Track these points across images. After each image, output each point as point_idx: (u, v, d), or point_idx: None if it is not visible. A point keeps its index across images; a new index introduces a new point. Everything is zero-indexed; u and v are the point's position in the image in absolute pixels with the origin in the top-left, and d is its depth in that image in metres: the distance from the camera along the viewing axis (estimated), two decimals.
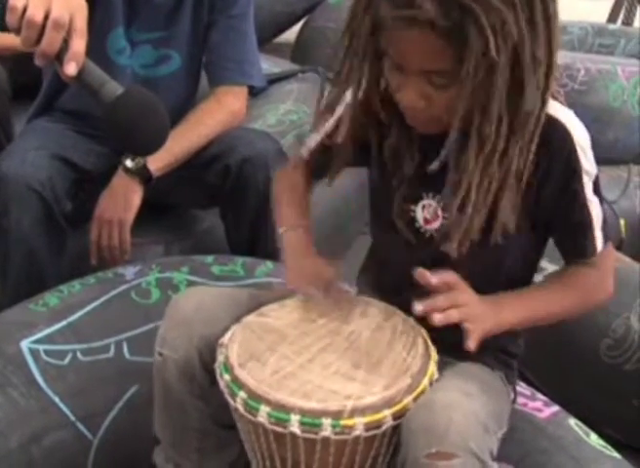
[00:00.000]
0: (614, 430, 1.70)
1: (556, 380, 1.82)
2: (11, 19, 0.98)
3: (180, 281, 1.49)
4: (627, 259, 1.91)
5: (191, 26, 1.78)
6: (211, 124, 1.75)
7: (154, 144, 1.10)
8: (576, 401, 1.60)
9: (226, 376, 1.06)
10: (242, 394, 1.03)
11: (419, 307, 1.03)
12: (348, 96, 1.18)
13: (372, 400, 1.00)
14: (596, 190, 1.10)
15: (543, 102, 1.01)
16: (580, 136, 1.07)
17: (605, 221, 1.12)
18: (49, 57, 1.00)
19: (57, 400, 1.29)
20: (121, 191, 1.70)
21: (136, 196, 1.70)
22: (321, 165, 1.24)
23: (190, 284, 1.48)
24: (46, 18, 0.98)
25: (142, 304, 1.44)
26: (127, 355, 1.37)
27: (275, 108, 2.39)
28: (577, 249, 1.14)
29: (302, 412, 0.99)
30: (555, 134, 1.06)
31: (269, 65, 2.64)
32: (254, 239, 1.75)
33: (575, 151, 1.06)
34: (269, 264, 1.58)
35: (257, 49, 1.86)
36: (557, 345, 1.73)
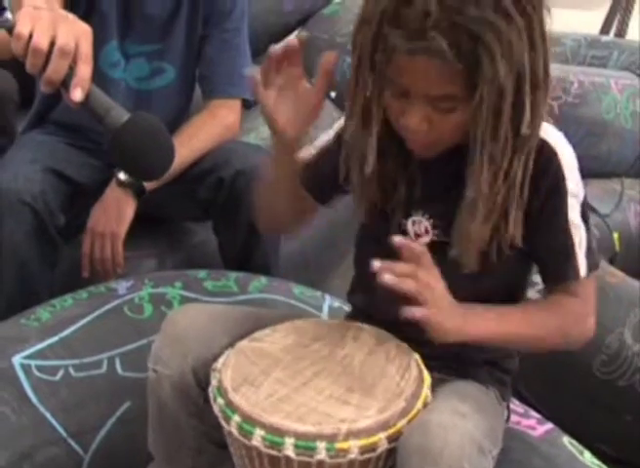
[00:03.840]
0: (607, 446, 1.70)
1: (550, 396, 1.81)
2: (17, 47, 0.98)
3: (174, 296, 1.48)
4: (620, 274, 1.91)
5: (186, 39, 1.78)
6: (205, 138, 1.75)
7: (159, 171, 1.11)
8: (569, 417, 1.60)
9: (220, 400, 1.05)
10: (236, 417, 1.02)
11: (376, 263, 1.00)
12: (335, 126, 1.18)
13: (366, 423, 0.99)
14: (583, 215, 1.10)
15: (540, 119, 1.02)
16: (567, 158, 1.08)
17: (591, 249, 1.11)
18: (55, 83, 1.00)
19: (48, 416, 1.28)
20: (114, 204, 1.69)
21: (129, 209, 1.70)
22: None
23: (184, 299, 1.47)
24: (51, 45, 0.98)
25: (135, 320, 1.43)
26: (119, 371, 1.36)
27: None
28: (557, 272, 1.12)
29: (297, 436, 0.98)
30: (542, 155, 1.06)
31: None
32: (247, 253, 1.75)
33: (561, 173, 1.06)
34: (263, 280, 1.57)
35: (250, 62, 1.86)
36: (551, 361, 1.72)
